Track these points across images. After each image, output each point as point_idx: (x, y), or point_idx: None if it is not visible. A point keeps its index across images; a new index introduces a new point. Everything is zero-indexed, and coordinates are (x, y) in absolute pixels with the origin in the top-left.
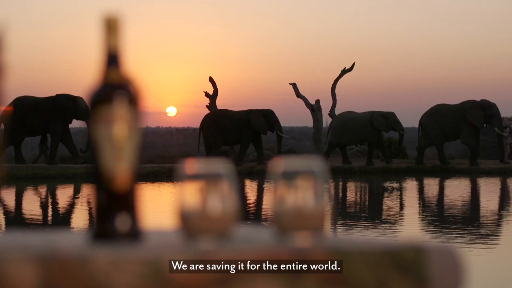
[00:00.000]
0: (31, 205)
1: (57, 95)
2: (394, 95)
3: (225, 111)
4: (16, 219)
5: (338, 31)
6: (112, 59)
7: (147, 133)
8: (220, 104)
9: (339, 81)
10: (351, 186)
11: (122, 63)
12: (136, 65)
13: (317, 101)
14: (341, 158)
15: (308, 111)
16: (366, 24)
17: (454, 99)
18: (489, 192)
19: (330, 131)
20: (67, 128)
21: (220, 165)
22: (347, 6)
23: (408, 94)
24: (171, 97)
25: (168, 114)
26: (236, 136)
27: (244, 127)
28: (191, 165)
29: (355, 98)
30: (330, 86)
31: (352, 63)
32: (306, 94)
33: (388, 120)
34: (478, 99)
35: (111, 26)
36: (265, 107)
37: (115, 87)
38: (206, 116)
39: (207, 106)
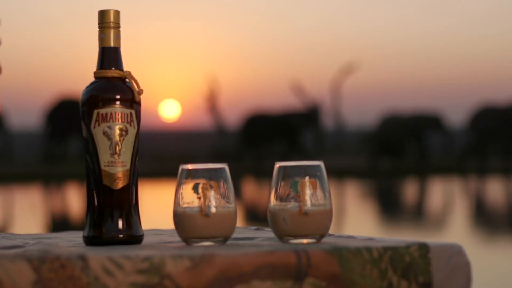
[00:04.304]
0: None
1: None
2: (399, 95)
3: (262, 113)
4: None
5: (342, 28)
6: (110, 56)
7: (146, 133)
8: (221, 104)
9: (343, 81)
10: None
11: (120, 59)
12: (135, 63)
13: (318, 101)
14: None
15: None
16: (371, 22)
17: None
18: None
19: (376, 134)
20: None
21: (219, 166)
22: (355, 0)
23: (408, 93)
24: (170, 96)
25: (167, 114)
26: (273, 137)
27: (281, 128)
28: (190, 166)
29: (358, 98)
30: (332, 86)
31: (354, 64)
32: (307, 94)
33: (429, 121)
34: None
35: (109, 22)
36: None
37: (112, 84)
38: (246, 118)
39: (208, 106)
